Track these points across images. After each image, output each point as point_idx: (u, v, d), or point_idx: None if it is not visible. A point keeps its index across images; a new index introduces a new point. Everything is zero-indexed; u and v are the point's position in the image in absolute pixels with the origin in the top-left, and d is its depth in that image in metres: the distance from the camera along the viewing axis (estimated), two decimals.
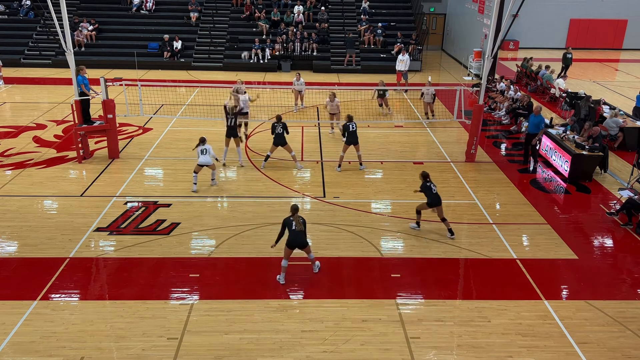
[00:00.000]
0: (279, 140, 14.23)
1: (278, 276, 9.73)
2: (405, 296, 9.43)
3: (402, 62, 22.99)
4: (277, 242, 9.63)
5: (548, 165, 15.43)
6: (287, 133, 14.36)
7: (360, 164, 14.65)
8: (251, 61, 26.72)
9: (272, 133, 14.34)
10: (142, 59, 25.98)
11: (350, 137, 14.21)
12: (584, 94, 19.40)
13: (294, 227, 9.40)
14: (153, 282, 9.65)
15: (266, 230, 11.44)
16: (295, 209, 9.54)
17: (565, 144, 14.72)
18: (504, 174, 14.66)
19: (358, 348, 8.16)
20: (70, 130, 16.49)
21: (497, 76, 23.11)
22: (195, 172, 13.14)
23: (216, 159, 13.67)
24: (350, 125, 14.22)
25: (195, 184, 13.14)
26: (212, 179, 13.55)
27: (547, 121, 16.32)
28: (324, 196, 13.05)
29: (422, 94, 19.16)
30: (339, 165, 14.56)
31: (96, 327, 8.46)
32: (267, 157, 14.56)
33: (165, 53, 26.80)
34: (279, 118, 14.37)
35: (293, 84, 19.29)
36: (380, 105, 19.75)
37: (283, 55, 27.17)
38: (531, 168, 15.15)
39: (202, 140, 13.13)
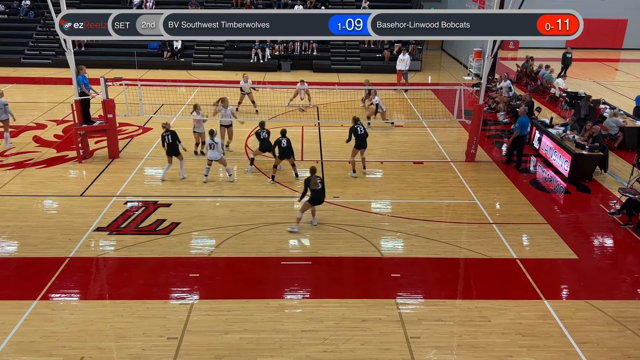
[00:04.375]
0: (264, 145, 13.77)
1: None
2: (405, 296, 9.43)
3: (402, 61, 23.00)
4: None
5: (548, 165, 15.43)
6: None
7: (364, 167, 14.36)
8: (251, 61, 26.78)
9: (258, 139, 13.88)
10: (142, 58, 25.96)
11: (360, 142, 13.71)
12: (584, 93, 19.41)
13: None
14: (153, 282, 9.65)
15: (266, 230, 11.45)
16: None
17: (565, 143, 14.71)
18: (504, 174, 14.66)
19: (358, 348, 8.16)
20: (70, 130, 16.48)
21: (497, 76, 23.09)
22: (208, 164, 13.52)
23: (223, 154, 13.71)
24: (358, 129, 13.71)
25: (206, 175, 13.55)
26: (228, 174, 13.67)
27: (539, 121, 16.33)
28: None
29: (377, 105, 17.62)
30: (354, 171, 14.04)
31: (96, 327, 8.46)
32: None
33: (165, 53, 26.81)
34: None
35: (297, 86, 19.77)
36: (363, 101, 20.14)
37: (283, 55, 27.17)
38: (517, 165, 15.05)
39: (211, 133, 13.19)
